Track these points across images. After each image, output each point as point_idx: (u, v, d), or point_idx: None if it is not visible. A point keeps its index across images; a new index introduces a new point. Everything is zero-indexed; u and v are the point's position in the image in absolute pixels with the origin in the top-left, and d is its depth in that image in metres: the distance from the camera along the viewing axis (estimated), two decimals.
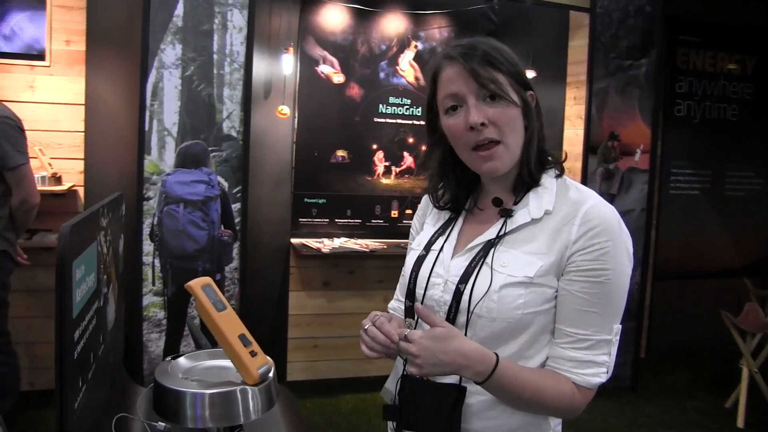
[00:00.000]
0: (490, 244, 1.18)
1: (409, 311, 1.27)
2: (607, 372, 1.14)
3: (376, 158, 4.45)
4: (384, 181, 4.46)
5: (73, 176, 3.72)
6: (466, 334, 1.15)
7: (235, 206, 3.56)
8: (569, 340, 1.13)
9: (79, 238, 0.98)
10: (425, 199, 1.41)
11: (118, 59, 3.66)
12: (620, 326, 1.16)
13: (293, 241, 4.22)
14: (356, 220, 4.45)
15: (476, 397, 1.16)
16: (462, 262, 1.19)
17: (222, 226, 3.54)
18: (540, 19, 4.32)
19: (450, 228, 1.28)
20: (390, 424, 1.29)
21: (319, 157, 4.33)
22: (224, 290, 3.60)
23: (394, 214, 4.51)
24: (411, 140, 4.47)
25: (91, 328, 1.09)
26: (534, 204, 1.18)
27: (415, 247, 1.32)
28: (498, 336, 1.15)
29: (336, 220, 4.41)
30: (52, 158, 3.64)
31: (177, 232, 3.44)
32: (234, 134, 3.51)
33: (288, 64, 4.01)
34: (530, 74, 4.18)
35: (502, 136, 1.15)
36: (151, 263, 3.42)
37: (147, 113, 3.33)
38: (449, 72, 1.16)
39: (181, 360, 1.13)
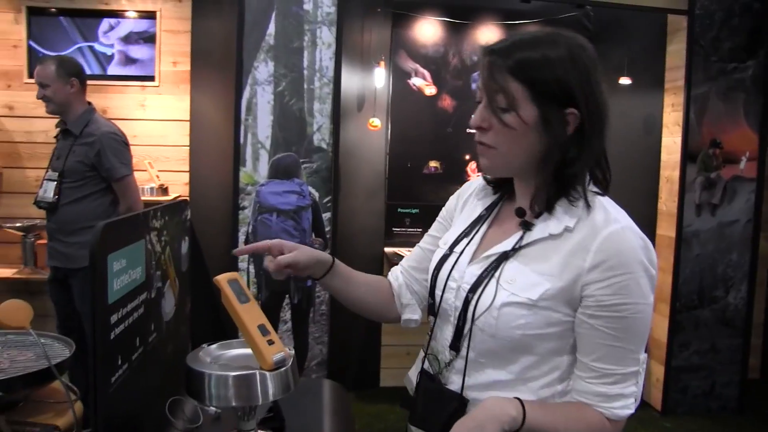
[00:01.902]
0: (504, 256, 1.15)
1: (431, 308, 1.28)
2: (636, 401, 1.11)
3: (469, 169, 4.48)
4: None
5: (179, 187, 4.00)
6: (468, 346, 1.15)
7: (326, 215, 3.70)
8: (594, 375, 1.09)
9: (116, 236, 1.10)
10: (468, 185, 1.38)
11: (218, 78, 3.91)
12: (646, 355, 1.12)
13: (386, 250, 4.30)
14: None
15: None
16: (476, 270, 1.18)
17: (313, 235, 3.69)
18: (636, 25, 4.21)
19: (476, 230, 1.26)
20: None
21: (412, 167, 4.42)
22: (315, 296, 3.74)
23: None
24: None
25: (136, 316, 1.20)
26: (556, 219, 1.12)
27: (441, 245, 1.31)
28: (497, 353, 1.14)
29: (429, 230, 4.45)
30: (160, 170, 3.94)
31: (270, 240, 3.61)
32: (324, 146, 3.66)
33: (380, 77, 4.12)
34: (625, 81, 4.09)
35: (497, 144, 1.12)
36: (246, 269, 3.62)
37: (242, 127, 3.54)
38: (481, 66, 1.13)
39: (213, 347, 1.24)
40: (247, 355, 1.17)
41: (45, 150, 3.54)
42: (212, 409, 1.48)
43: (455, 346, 1.18)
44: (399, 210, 4.42)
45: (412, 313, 1.41)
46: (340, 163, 3.79)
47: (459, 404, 1.15)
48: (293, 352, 1.20)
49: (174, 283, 1.53)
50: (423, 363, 1.28)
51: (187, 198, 4.00)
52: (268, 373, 1.12)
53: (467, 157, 4.45)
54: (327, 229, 3.73)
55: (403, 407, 1.28)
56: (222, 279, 1.16)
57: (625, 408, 1.10)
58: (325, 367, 3.82)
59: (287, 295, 3.69)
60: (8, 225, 3.77)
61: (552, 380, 1.14)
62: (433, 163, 4.45)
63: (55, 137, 3.27)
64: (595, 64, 1.11)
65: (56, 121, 3.22)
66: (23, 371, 1.27)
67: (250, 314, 1.14)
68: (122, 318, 1.12)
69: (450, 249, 1.27)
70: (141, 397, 1.27)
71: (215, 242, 3.96)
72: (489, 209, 1.28)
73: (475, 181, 1.37)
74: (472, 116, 1.14)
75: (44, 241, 3.66)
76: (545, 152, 1.11)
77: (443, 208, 1.42)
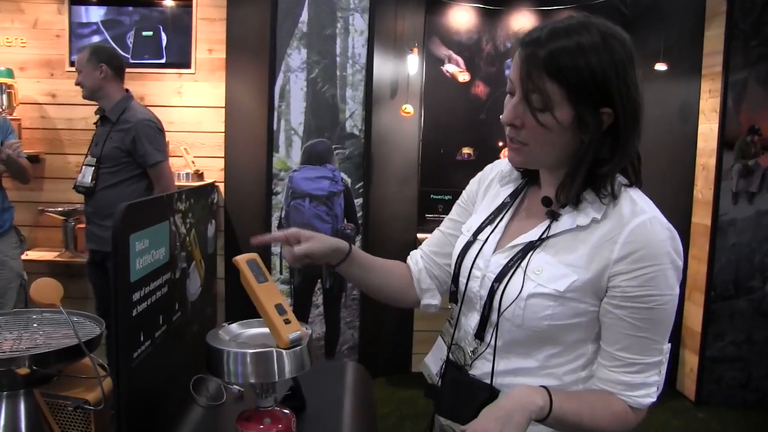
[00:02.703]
0: (531, 246, 1.14)
1: (453, 296, 1.28)
2: (658, 389, 1.12)
3: (502, 155, 4.46)
4: None
5: (214, 173, 4.08)
6: (495, 335, 1.16)
7: (358, 201, 3.74)
8: (618, 364, 1.11)
9: (139, 217, 1.15)
10: (490, 168, 1.37)
11: (253, 65, 3.96)
12: (669, 345, 1.13)
13: (419, 236, 4.32)
14: None
15: None
16: (501, 260, 1.17)
17: (345, 220, 3.73)
18: (673, 10, 4.12)
19: (500, 217, 1.25)
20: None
21: (445, 154, 4.42)
22: (347, 280, 3.78)
23: None
24: None
25: (160, 294, 1.25)
26: (583, 209, 1.12)
27: (464, 231, 1.30)
28: (523, 343, 1.15)
29: None
30: (195, 157, 4.02)
31: (303, 225, 3.66)
32: (356, 132, 3.68)
33: (413, 64, 4.12)
34: (661, 67, 4.02)
35: (530, 142, 1.10)
36: (279, 254, 3.67)
37: (275, 114, 3.59)
38: (516, 58, 1.09)
39: (233, 326, 1.28)
40: (265, 334, 1.21)
41: (85, 136, 3.64)
42: (236, 387, 1.53)
43: (480, 335, 1.19)
44: (432, 196, 4.43)
45: (432, 298, 1.41)
46: (372, 150, 3.81)
47: (489, 395, 1.15)
48: (310, 331, 1.23)
49: (200, 264, 1.58)
50: (448, 353, 1.28)
51: (215, 183, 4.07)
52: (284, 351, 1.15)
53: (500, 143, 4.43)
54: (359, 214, 3.76)
55: (428, 397, 1.29)
56: (241, 259, 1.19)
57: (648, 397, 1.11)
58: (356, 352, 3.87)
59: (319, 280, 3.74)
60: (50, 210, 3.90)
61: (576, 367, 1.16)
62: (466, 150, 4.44)
63: (94, 124, 3.36)
64: (632, 58, 1.07)
65: (96, 108, 3.32)
66: (55, 347, 1.34)
67: (268, 294, 1.17)
68: (145, 296, 1.17)
69: (474, 236, 1.26)
70: (165, 374, 1.32)
71: (249, 227, 4.03)
72: (512, 196, 1.27)
73: (497, 164, 1.36)
74: (505, 110, 1.11)
75: (84, 225, 3.79)
76: (577, 151, 1.10)
77: (464, 192, 1.40)
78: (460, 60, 4.34)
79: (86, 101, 3.32)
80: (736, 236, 3.84)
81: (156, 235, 1.22)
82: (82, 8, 4.07)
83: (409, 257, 1.47)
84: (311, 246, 1.30)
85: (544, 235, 1.14)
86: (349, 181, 3.72)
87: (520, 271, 1.13)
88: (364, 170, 3.73)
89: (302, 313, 3.76)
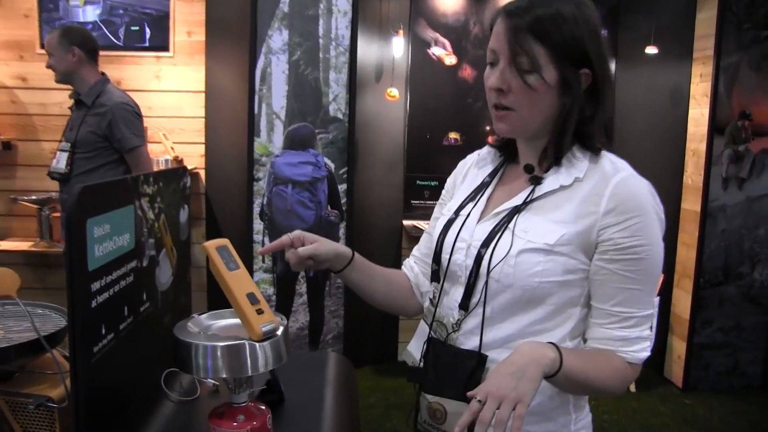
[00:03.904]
0: (516, 210, 1.16)
1: (435, 274, 1.27)
2: (650, 344, 1.14)
3: (489, 140, 4.38)
4: None
5: (194, 159, 3.96)
6: (484, 300, 1.14)
7: (342, 187, 3.65)
8: (615, 320, 1.12)
9: (98, 200, 1.06)
10: (462, 163, 1.41)
11: (234, 47, 3.83)
12: (658, 298, 1.15)
13: (405, 222, 4.25)
14: None
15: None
16: (487, 227, 1.18)
17: (329, 206, 3.64)
18: None
19: (481, 193, 1.26)
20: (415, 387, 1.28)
21: (432, 139, 4.35)
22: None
23: None
24: None
25: (124, 284, 1.17)
26: (565, 171, 1.15)
27: (445, 212, 1.31)
28: (514, 304, 1.13)
29: None
30: (175, 142, 3.90)
31: (286, 212, 3.58)
32: (340, 116, 3.59)
33: (398, 46, 4.03)
34: (651, 51, 3.95)
35: (517, 107, 1.13)
36: (261, 241, 3.58)
37: (256, 97, 3.48)
38: (497, 28, 1.14)
39: (203, 317, 1.19)
40: (238, 325, 1.12)
41: (60, 122, 3.51)
42: (211, 381, 1.44)
43: (465, 305, 1.18)
44: (418, 182, 4.38)
45: None
46: (357, 135, 3.73)
47: (477, 362, 1.14)
48: (285, 321, 1.15)
49: (171, 252, 1.49)
50: (430, 331, 1.25)
51: (195, 169, 3.96)
52: (257, 344, 1.07)
53: (488, 128, 4.36)
54: (343, 201, 3.67)
55: (411, 380, 1.26)
56: (210, 245, 1.11)
57: (644, 351, 1.13)
58: (341, 341, 3.80)
59: None
60: (23, 198, 3.75)
61: (564, 335, 1.14)
62: (453, 135, 4.38)
63: (69, 108, 3.25)
64: (599, 21, 1.15)
65: (70, 92, 3.20)
66: (14, 342, 1.25)
67: (239, 282, 1.09)
68: (106, 286, 1.08)
69: (455, 213, 1.26)
70: (132, 368, 1.24)
71: (231, 214, 3.94)
72: (492, 175, 1.29)
73: (470, 157, 1.40)
74: (490, 78, 1.14)
75: (60, 214, 3.66)
76: (562, 112, 1.14)
77: (443, 190, 1.42)
78: (447, 43, 4.25)
79: (60, 85, 3.21)
80: (726, 222, 3.79)
81: (119, 220, 1.13)
82: (79, 10, 3.95)
83: (403, 266, 1.47)
84: (316, 248, 1.30)
85: (528, 199, 1.16)
86: (332, 166, 3.63)
87: (507, 233, 1.14)
88: (348, 155, 3.64)
89: (285, 302, 3.68)
